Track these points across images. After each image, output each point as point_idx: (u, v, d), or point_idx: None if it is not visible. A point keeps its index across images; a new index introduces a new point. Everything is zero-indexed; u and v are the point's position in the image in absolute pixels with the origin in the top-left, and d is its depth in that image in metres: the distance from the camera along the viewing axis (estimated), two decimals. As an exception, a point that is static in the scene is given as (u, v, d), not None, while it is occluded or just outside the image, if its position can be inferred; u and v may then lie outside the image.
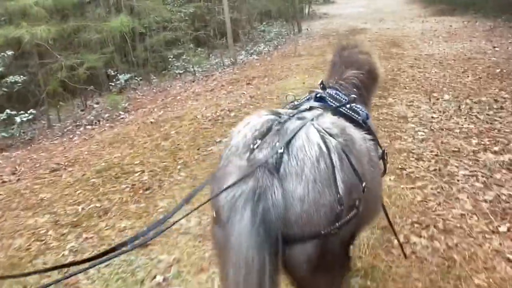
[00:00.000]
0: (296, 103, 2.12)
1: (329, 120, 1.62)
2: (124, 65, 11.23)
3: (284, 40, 14.43)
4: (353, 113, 1.99)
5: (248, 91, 7.57)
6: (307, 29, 15.81)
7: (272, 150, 1.39)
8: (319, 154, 1.38)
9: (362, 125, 1.94)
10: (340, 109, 1.99)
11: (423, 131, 4.72)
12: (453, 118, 5.07)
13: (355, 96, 2.14)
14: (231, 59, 11.90)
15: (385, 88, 6.58)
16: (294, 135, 1.43)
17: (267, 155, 1.37)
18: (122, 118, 8.05)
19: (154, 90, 10.32)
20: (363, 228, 1.98)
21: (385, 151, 2.17)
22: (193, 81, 10.40)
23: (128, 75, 10.50)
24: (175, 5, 12.49)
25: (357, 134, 1.69)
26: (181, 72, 11.56)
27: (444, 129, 4.73)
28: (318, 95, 2.12)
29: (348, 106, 2.02)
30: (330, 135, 1.49)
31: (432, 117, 5.20)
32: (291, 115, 1.62)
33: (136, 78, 11.09)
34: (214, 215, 1.42)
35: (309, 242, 1.36)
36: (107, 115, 8.48)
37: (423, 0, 20.14)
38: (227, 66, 11.55)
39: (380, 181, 2.00)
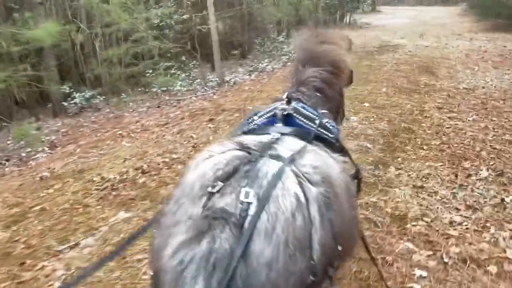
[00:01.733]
0: (258, 120, 1.79)
1: (309, 161, 1.34)
2: (85, 82, 9.56)
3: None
4: (324, 131, 1.74)
5: (200, 134, 5.59)
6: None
7: (237, 199, 1.13)
8: (296, 207, 1.14)
9: (335, 144, 1.75)
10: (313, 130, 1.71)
11: (428, 270, 2.55)
12: (488, 229, 2.90)
13: (326, 111, 1.95)
14: (217, 79, 9.98)
15: (391, 145, 4.44)
16: (270, 181, 1.18)
17: (230, 204, 1.12)
18: (36, 157, 6.38)
19: (112, 115, 8.57)
20: None
21: (359, 170, 1.93)
22: (158, 106, 8.58)
23: (89, 93, 8.88)
24: (139, 11, 9.92)
25: (335, 170, 1.45)
26: (161, 90, 9.72)
27: (470, 259, 2.59)
28: (284, 113, 1.76)
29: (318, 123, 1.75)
30: (310, 182, 1.25)
31: (452, 221, 3.04)
32: (262, 151, 1.33)
33: (99, 97, 9.35)
34: (153, 276, 1.16)
35: None
36: (28, 150, 6.78)
37: (477, 12, 17.32)
38: (211, 87, 9.67)
39: (356, 213, 1.66)
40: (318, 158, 1.40)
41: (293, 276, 1.09)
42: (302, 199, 1.17)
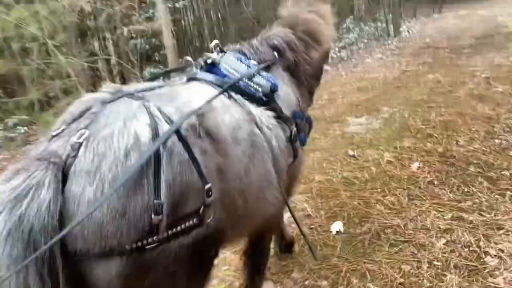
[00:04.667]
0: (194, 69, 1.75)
1: (182, 104, 1.31)
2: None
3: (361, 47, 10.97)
4: (249, 84, 1.68)
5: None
6: (408, 31, 12.08)
7: (69, 140, 1.11)
8: (132, 145, 1.11)
9: (262, 99, 1.68)
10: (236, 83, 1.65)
11: None
12: None
13: (269, 64, 1.86)
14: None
15: None
16: (109, 120, 1.15)
17: (61, 146, 1.11)
18: None
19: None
20: (236, 236, 1.70)
21: (293, 132, 1.77)
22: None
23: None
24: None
25: (234, 116, 1.46)
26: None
27: None
28: (209, 61, 1.74)
29: (248, 76, 1.70)
30: (169, 120, 1.22)
31: None
32: (129, 93, 1.30)
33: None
34: None
35: (109, 259, 1.08)
36: None
37: None
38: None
39: (281, 171, 1.65)
40: (203, 103, 1.35)
41: (125, 215, 1.06)
42: (145, 137, 1.14)
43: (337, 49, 10.89)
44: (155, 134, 1.14)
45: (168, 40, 7.79)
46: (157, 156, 1.11)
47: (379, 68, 7.73)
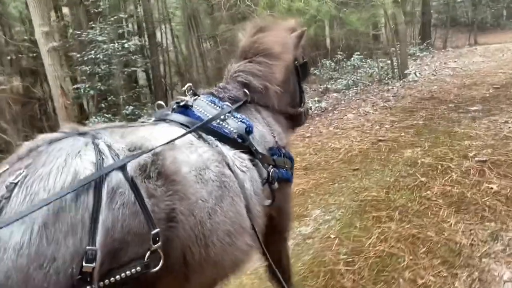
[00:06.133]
0: (166, 111, 1.73)
1: (136, 142, 1.26)
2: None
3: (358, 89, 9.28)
4: (225, 127, 1.63)
5: None
6: (415, 73, 10.23)
7: (7, 180, 1.07)
8: (69, 184, 1.05)
9: (237, 141, 1.61)
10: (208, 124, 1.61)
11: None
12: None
13: (238, 103, 1.81)
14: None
15: None
16: (49, 158, 1.10)
17: None
18: None
19: None
20: (202, 285, 1.49)
21: (270, 173, 1.69)
22: None
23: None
24: None
25: (202, 156, 1.41)
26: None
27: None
28: (181, 104, 1.68)
29: (222, 118, 1.65)
30: (118, 158, 1.17)
31: None
32: (83, 131, 1.26)
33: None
34: None
35: None
36: None
37: None
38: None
39: (257, 216, 1.57)
40: (162, 142, 1.29)
41: (54, 262, 0.99)
42: (85, 176, 1.07)
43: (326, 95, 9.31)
44: (97, 170, 1.09)
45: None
46: (97, 198, 1.05)
47: (352, 132, 6.02)
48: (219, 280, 1.62)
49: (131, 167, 1.14)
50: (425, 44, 16.60)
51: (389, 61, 10.96)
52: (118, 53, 7.83)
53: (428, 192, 3.81)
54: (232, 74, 1.93)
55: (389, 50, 10.72)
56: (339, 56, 11.68)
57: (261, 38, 1.99)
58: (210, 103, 1.71)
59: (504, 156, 4.41)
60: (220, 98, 1.78)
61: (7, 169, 1.09)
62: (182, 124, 1.54)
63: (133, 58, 8.39)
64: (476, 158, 4.42)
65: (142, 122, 1.60)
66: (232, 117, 1.67)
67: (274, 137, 1.87)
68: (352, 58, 11.72)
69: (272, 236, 1.85)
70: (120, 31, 9.65)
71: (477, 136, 5.14)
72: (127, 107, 8.27)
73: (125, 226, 1.08)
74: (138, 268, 1.12)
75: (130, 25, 12.07)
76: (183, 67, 13.76)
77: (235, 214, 1.42)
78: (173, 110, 1.68)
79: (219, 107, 1.69)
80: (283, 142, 1.96)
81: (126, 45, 7.71)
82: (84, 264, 1.00)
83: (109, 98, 8.18)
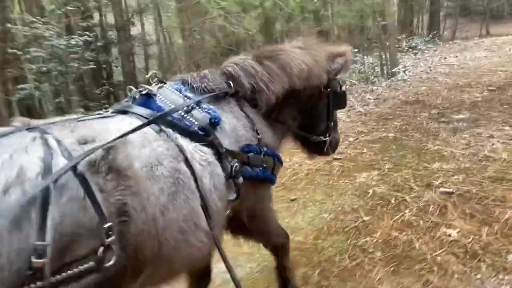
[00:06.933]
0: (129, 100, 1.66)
1: (89, 132, 1.24)
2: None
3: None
4: (186, 119, 1.55)
5: None
6: (405, 71, 9.23)
7: None
8: (14, 180, 1.03)
9: (198, 133, 1.54)
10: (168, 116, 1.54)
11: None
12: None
13: (218, 94, 1.73)
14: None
15: None
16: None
17: None
18: None
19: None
20: (154, 281, 1.46)
21: (235, 167, 1.60)
22: None
23: None
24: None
25: (156, 150, 1.35)
26: None
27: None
28: (143, 92, 1.62)
29: (186, 108, 1.57)
30: (67, 153, 1.14)
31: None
32: (34, 126, 1.22)
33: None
34: None
35: None
36: None
37: None
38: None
39: (215, 212, 1.52)
40: (114, 136, 1.24)
41: (0, 257, 0.98)
42: (31, 172, 1.05)
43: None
44: (47, 168, 1.08)
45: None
46: (44, 193, 1.04)
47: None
48: (173, 276, 1.60)
49: (81, 163, 1.12)
50: (431, 35, 15.52)
51: (382, 57, 10.00)
52: (69, 50, 7.10)
53: (367, 239, 2.97)
54: (227, 64, 1.86)
55: (379, 45, 9.71)
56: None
57: (290, 51, 1.91)
58: (175, 91, 1.63)
59: (477, 187, 3.53)
60: (193, 87, 1.70)
61: None
62: (141, 116, 1.48)
63: (85, 55, 7.65)
64: (441, 189, 3.54)
65: (98, 114, 1.51)
66: (198, 108, 1.59)
67: (256, 131, 1.79)
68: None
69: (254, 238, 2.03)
70: (85, 23, 8.94)
71: (451, 156, 4.24)
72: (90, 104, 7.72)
73: (75, 220, 1.08)
74: (92, 262, 1.11)
75: (103, 17, 11.33)
76: (168, 61, 13.08)
77: (188, 211, 1.41)
78: (134, 100, 1.61)
79: (184, 96, 1.62)
80: (273, 141, 1.91)
81: (73, 41, 6.98)
82: (33, 260, 0.99)
83: (60, 98, 7.51)
